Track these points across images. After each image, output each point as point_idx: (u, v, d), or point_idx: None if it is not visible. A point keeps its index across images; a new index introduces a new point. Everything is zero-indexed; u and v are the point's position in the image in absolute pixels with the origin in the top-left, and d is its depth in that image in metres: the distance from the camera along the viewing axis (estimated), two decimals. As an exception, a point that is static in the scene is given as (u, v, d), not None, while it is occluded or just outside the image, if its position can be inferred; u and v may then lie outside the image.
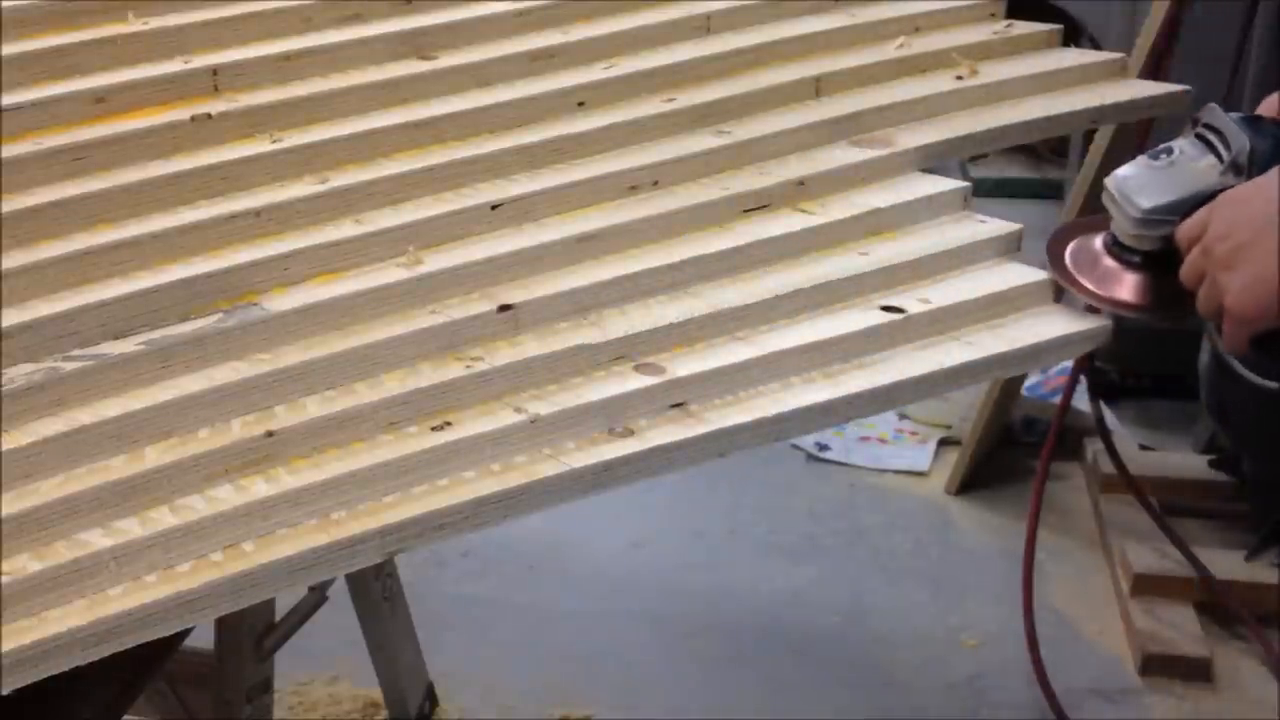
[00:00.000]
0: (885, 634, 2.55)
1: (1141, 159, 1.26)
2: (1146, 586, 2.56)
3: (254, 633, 1.67)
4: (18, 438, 0.99)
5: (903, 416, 3.21)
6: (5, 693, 0.88)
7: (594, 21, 1.49)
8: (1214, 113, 1.25)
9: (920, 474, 3.05)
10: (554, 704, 2.34)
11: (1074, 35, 1.93)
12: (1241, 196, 1.15)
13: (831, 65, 1.50)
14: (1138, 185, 1.24)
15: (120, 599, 0.93)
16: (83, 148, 1.21)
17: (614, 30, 1.48)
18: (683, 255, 1.25)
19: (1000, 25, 1.64)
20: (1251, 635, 2.48)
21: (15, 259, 1.10)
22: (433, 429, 1.08)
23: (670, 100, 1.42)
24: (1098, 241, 1.28)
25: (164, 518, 0.98)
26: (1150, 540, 2.60)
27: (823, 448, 3.10)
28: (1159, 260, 1.23)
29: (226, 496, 1.00)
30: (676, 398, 1.13)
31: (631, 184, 1.32)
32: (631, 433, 1.10)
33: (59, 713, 1.18)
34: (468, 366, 1.12)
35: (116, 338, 1.08)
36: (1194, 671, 2.42)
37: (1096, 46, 2.78)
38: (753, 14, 1.55)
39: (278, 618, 1.69)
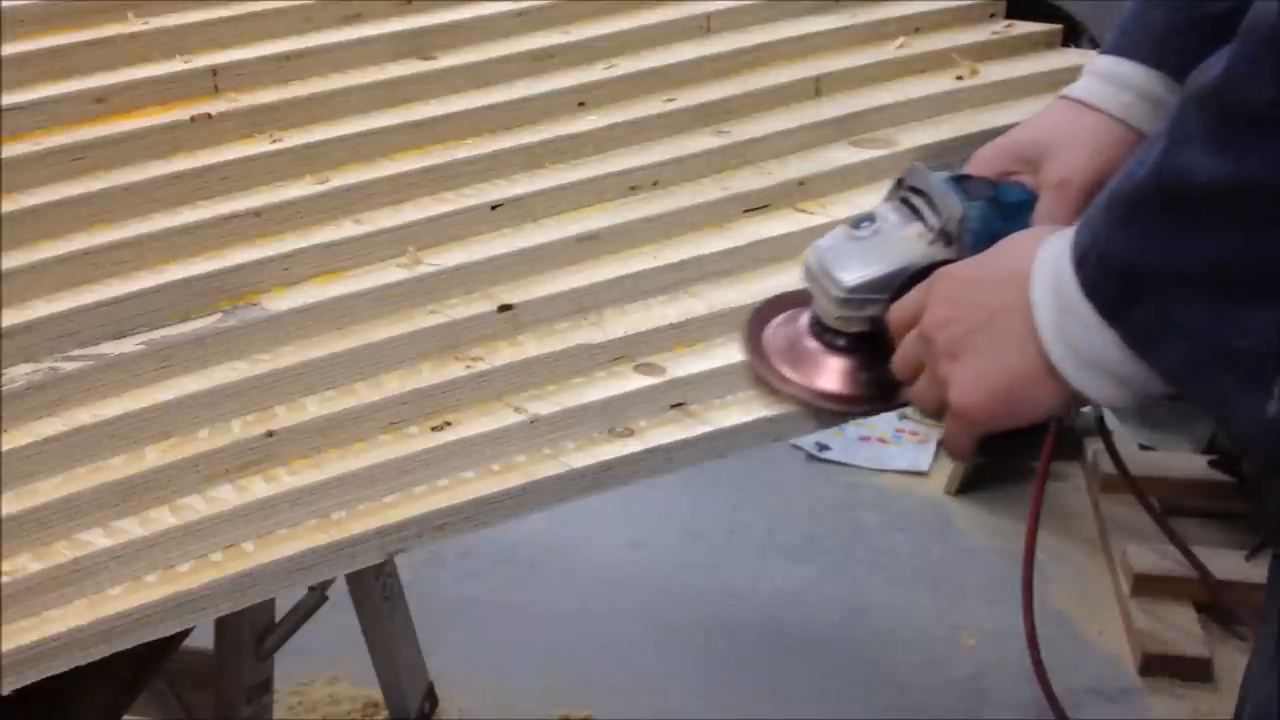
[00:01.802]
0: (885, 634, 2.55)
1: (842, 228, 1.09)
2: (1146, 586, 2.56)
3: (254, 633, 1.67)
4: (18, 438, 0.99)
5: (903, 416, 3.21)
6: (5, 693, 0.88)
7: (594, 21, 1.49)
8: (919, 173, 1.08)
9: (920, 474, 3.06)
10: (554, 704, 2.34)
11: (1074, 35, 1.93)
12: (964, 274, 0.96)
13: (831, 65, 1.50)
14: (838, 259, 1.06)
15: (120, 599, 0.93)
16: (83, 148, 1.21)
17: (614, 30, 1.48)
18: (683, 255, 1.25)
19: (1000, 25, 1.63)
20: (1251, 635, 2.47)
21: (15, 259, 1.10)
22: (433, 429, 1.08)
23: (670, 100, 1.42)
24: (802, 320, 1.11)
25: (164, 518, 0.98)
26: (1150, 540, 2.60)
27: (823, 448, 3.10)
28: (867, 343, 1.06)
29: (226, 496, 1.00)
30: (676, 398, 1.13)
31: (631, 184, 1.32)
32: (631, 433, 1.10)
33: (59, 713, 1.18)
34: (468, 366, 1.12)
35: (116, 338, 1.08)
36: (1194, 671, 2.43)
37: (1096, 46, 2.78)
38: (753, 14, 1.55)
39: (278, 618, 1.69)
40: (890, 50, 1.54)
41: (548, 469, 1.06)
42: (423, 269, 1.18)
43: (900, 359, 0.99)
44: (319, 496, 1.01)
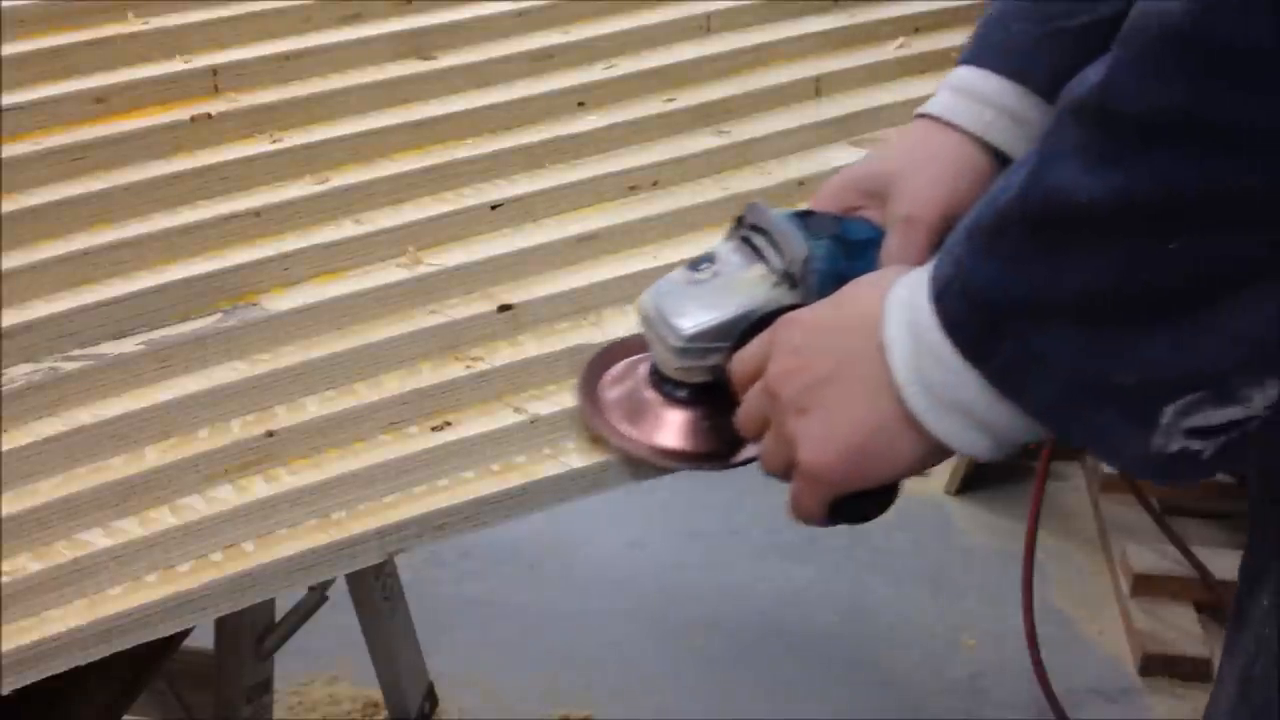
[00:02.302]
0: (885, 634, 2.55)
1: (681, 270, 1.01)
2: (1146, 586, 2.56)
3: (254, 633, 1.67)
4: (18, 438, 0.99)
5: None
6: (5, 693, 0.88)
7: (594, 21, 1.49)
8: (758, 211, 1.00)
9: (920, 474, 3.05)
10: (554, 704, 2.34)
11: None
12: (810, 321, 0.87)
13: (831, 65, 1.50)
14: (676, 304, 0.98)
15: (120, 599, 0.93)
16: (83, 148, 1.21)
17: (614, 30, 1.48)
18: (683, 255, 1.25)
19: (1000, 25, 1.63)
20: (1251, 636, 2.47)
21: (15, 259, 1.10)
22: (433, 429, 1.08)
23: (670, 100, 1.42)
24: (641, 370, 1.04)
25: (164, 518, 0.98)
26: (1150, 540, 2.60)
27: (823, 448, 3.10)
28: (710, 394, 0.98)
29: (226, 496, 1.00)
30: (676, 398, 1.13)
31: (631, 184, 1.32)
32: (631, 433, 1.10)
33: (59, 713, 1.18)
34: (468, 366, 1.12)
35: (116, 338, 1.08)
36: (1194, 671, 2.43)
37: (1096, 46, 2.78)
38: (753, 14, 1.55)
39: (278, 618, 1.69)
40: (890, 50, 1.54)
41: (548, 469, 1.06)
42: (423, 269, 1.18)
43: (744, 415, 0.90)
44: (319, 496, 1.01)
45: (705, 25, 1.53)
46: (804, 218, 1.01)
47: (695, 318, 0.97)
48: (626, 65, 1.45)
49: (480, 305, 1.17)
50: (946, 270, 0.77)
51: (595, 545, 2.78)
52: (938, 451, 0.82)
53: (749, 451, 0.98)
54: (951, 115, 1.05)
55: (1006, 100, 1.03)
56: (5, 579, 0.91)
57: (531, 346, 1.15)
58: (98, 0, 1.34)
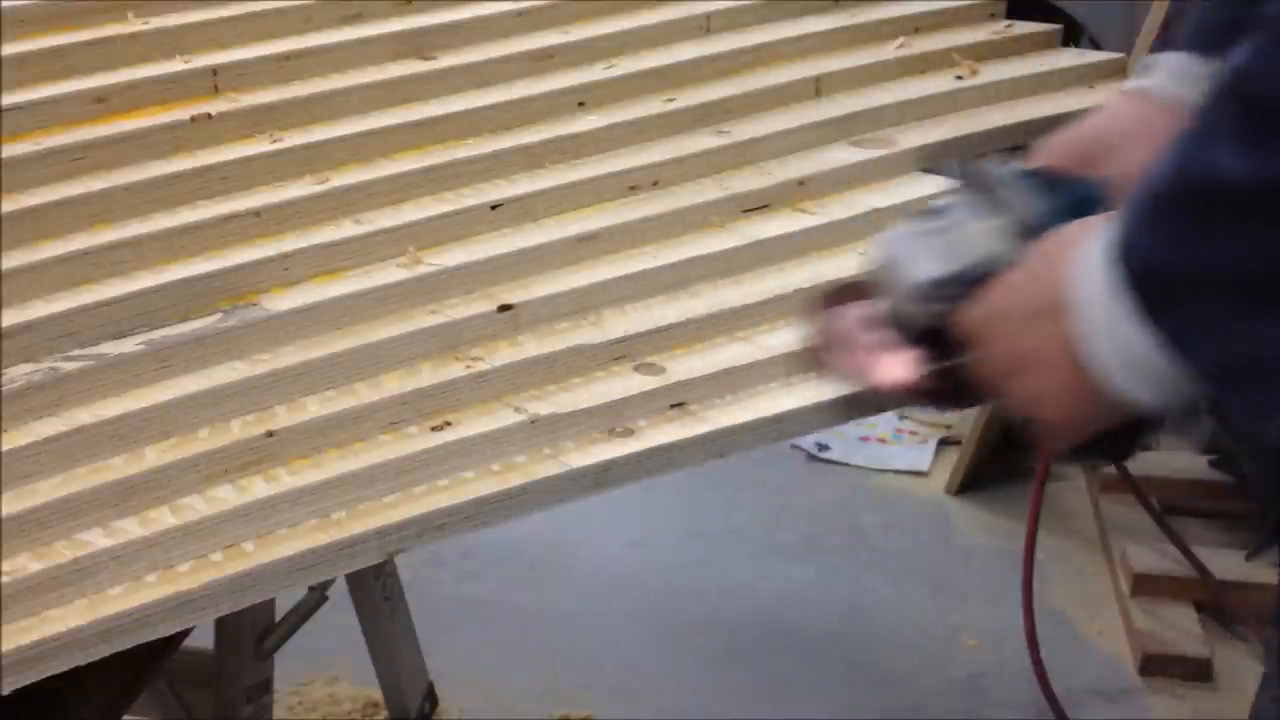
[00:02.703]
0: (885, 634, 2.55)
1: (915, 221, 1.06)
2: (1146, 586, 2.56)
3: (254, 633, 1.67)
4: (18, 438, 0.99)
5: (903, 416, 3.21)
6: (5, 693, 0.88)
7: (594, 21, 1.49)
8: (991, 166, 1.06)
9: (920, 474, 3.05)
10: (554, 704, 2.34)
11: (1074, 35, 1.93)
12: (1013, 285, 0.95)
13: (831, 65, 1.50)
14: (912, 252, 1.04)
15: (120, 599, 0.93)
16: (83, 148, 1.21)
17: (614, 30, 1.48)
18: (683, 255, 1.25)
19: (1000, 25, 1.64)
20: (1251, 635, 2.48)
21: (15, 259, 1.10)
22: (433, 429, 1.08)
23: (670, 100, 1.42)
24: (868, 309, 1.08)
25: (164, 518, 0.98)
26: (1150, 540, 2.60)
27: (823, 448, 3.10)
28: (934, 337, 1.03)
29: (226, 496, 1.00)
30: (676, 398, 1.13)
31: (631, 184, 1.32)
32: (631, 433, 1.10)
33: (59, 713, 1.18)
34: (468, 366, 1.12)
35: (116, 338, 1.08)
36: (1194, 671, 2.42)
37: (1096, 46, 2.78)
38: (753, 14, 1.55)
39: (278, 618, 1.69)
40: (890, 50, 1.54)
41: (548, 469, 1.06)
42: (423, 269, 1.18)
43: (975, 368, 0.98)
44: (319, 496, 1.01)
45: (705, 25, 1.53)
46: (1037, 174, 1.05)
47: (929, 267, 1.02)
48: (626, 65, 1.45)
49: (480, 305, 1.17)
50: (1121, 237, 0.82)
51: (595, 545, 2.78)
52: (1125, 405, 0.87)
53: (967, 397, 1.04)
54: (1162, 91, 1.09)
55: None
56: (5, 579, 0.91)
57: (531, 346, 1.15)
58: (98, 0, 1.34)
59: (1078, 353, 0.86)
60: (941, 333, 1.02)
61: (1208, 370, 0.80)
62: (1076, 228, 0.91)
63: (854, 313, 1.09)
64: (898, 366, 1.05)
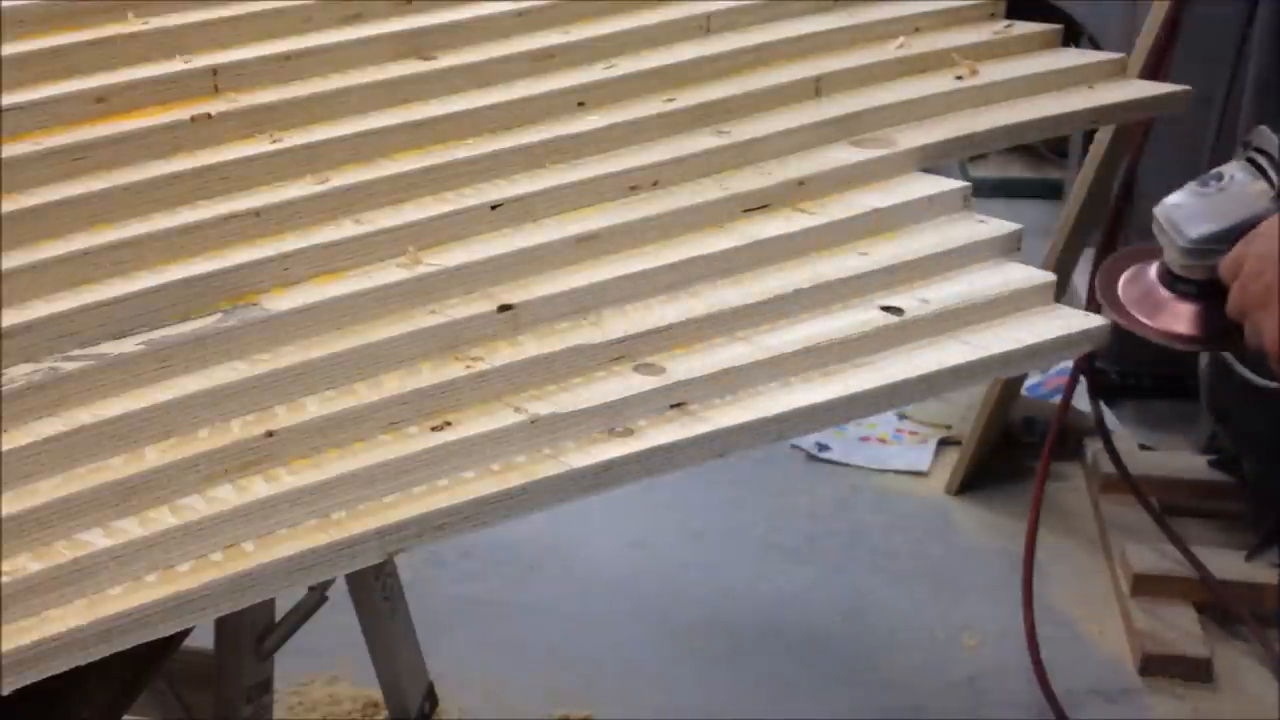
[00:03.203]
0: (885, 634, 2.55)
1: (1191, 185, 1.22)
2: (1146, 586, 2.56)
3: (254, 633, 1.67)
4: (18, 438, 0.99)
5: (903, 416, 3.21)
6: (5, 693, 0.88)
7: (594, 21, 1.49)
8: (1264, 136, 1.21)
9: (920, 474, 3.06)
10: (554, 704, 2.34)
11: (1074, 35, 1.93)
12: (1273, 230, 1.10)
13: (831, 65, 1.50)
14: (1186, 214, 1.20)
15: (120, 599, 0.93)
16: (83, 148, 1.21)
17: (614, 30, 1.48)
18: (683, 255, 1.25)
19: (1000, 25, 1.64)
20: (1251, 635, 2.48)
21: (15, 259, 1.10)
22: (433, 429, 1.08)
23: (670, 100, 1.42)
24: (1152, 271, 1.25)
25: (164, 518, 0.98)
26: (1150, 540, 2.60)
27: (823, 448, 3.10)
28: (1213, 290, 1.19)
29: (226, 496, 1.00)
30: (676, 398, 1.13)
31: (631, 184, 1.32)
32: (631, 433, 1.10)
33: (59, 713, 1.18)
34: (468, 366, 1.12)
35: (116, 338, 1.08)
36: (1194, 671, 2.43)
37: (1096, 46, 2.78)
38: (753, 14, 1.55)
39: (278, 618, 1.69)
40: (890, 50, 1.54)
41: (548, 469, 1.06)
42: (423, 269, 1.18)
43: (1230, 305, 1.13)
44: (319, 496, 1.01)
45: (705, 25, 1.53)
46: None
47: (1200, 225, 1.18)
48: (626, 65, 1.45)
49: (480, 305, 1.17)
50: None
51: (595, 545, 2.78)
52: None
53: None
54: None
55: None
56: (5, 579, 0.91)
57: (531, 346, 1.15)
58: (98, 0, 1.34)
59: None
60: (1216, 284, 1.17)
61: None
62: None
63: (1140, 272, 1.25)
64: (1182, 319, 1.21)
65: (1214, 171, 1.22)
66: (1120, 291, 1.26)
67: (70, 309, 1.08)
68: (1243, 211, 1.17)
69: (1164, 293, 1.23)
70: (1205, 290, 1.20)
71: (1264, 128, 1.20)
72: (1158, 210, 1.22)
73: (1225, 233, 1.17)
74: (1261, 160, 1.19)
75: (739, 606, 2.62)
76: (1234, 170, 1.21)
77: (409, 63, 1.39)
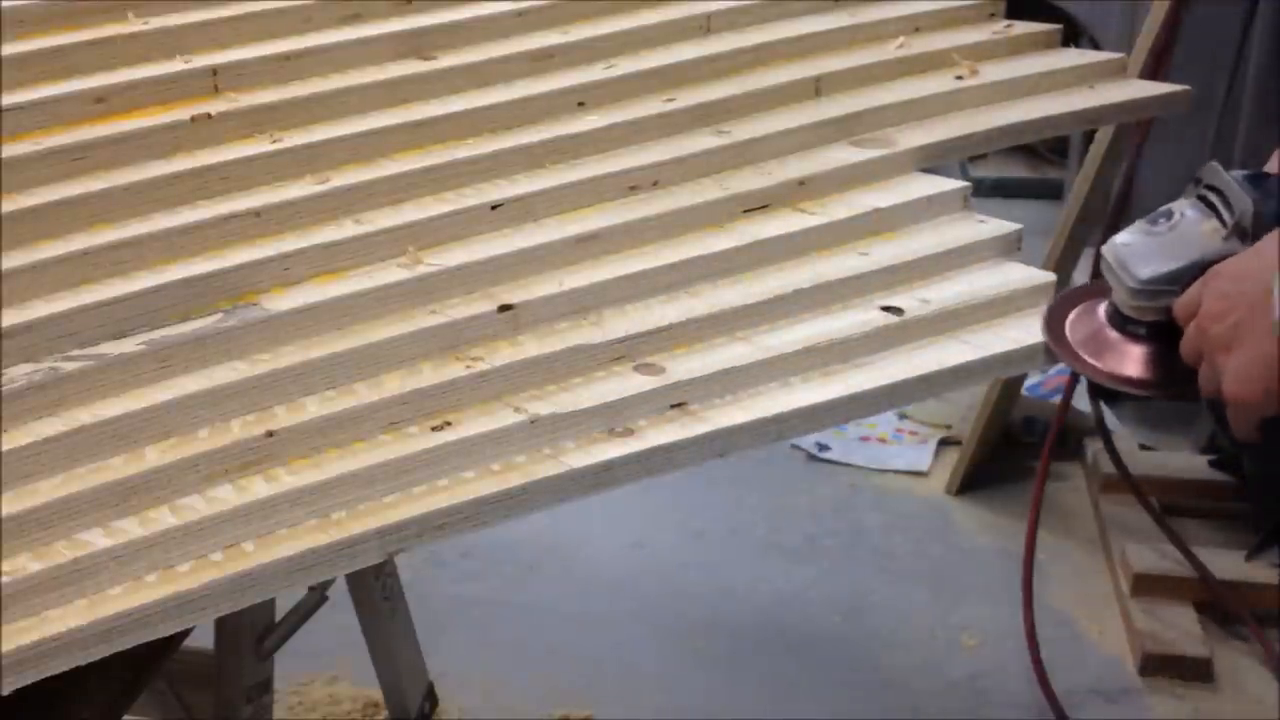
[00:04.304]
0: (885, 634, 2.55)
1: (1140, 224, 1.17)
2: (1146, 586, 2.56)
3: (254, 633, 1.67)
4: (18, 438, 0.99)
5: (903, 416, 3.21)
6: (5, 693, 0.88)
7: (594, 21, 1.49)
8: (1215, 172, 1.16)
9: (920, 474, 3.05)
10: (554, 704, 2.34)
11: (1074, 35, 1.93)
12: (1235, 269, 1.05)
13: (831, 65, 1.50)
14: (1135, 253, 1.15)
15: (120, 599, 0.93)
16: (83, 148, 1.21)
17: (614, 30, 1.48)
18: (683, 255, 1.25)
19: (1000, 25, 1.64)
20: (1251, 635, 2.48)
21: (15, 259, 1.10)
22: (433, 429, 1.08)
23: (670, 100, 1.42)
24: (1100, 311, 1.20)
25: (164, 518, 0.98)
26: (1150, 540, 2.60)
27: (823, 448, 3.10)
28: (1164, 332, 1.14)
29: (226, 496, 1.00)
30: (676, 398, 1.13)
31: (631, 184, 1.32)
32: (631, 433, 1.10)
33: (59, 713, 1.18)
34: (468, 366, 1.12)
35: (116, 338, 1.08)
36: (1194, 671, 2.42)
37: (1096, 46, 2.78)
38: (753, 14, 1.55)
39: (278, 618, 1.69)
40: (890, 50, 1.54)
41: (548, 469, 1.06)
42: (423, 269, 1.18)
43: (1184, 347, 1.08)
44: (319, 496, 1.01)
45: (705, 25, 1.53)
46: (1258, 178, 1.13)
47: (1152, 265, 1.13)
48: (626, 65, 1.45)
49: (480, 305, 1.17)
50: None
51: (595, 545, 2.78)
52: None
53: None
54: None
55: None
56: (5, 579, 0.91)
57: (531, 346, 1.15)
58: (98, 0, 1.34)
59: None
60: (1167, 326, 1.12)
61: None
62: None
63: (1089, 312, 1.21)
64: (1130, 362, 1.17)
65: (1163, 209, 1.17)
66: (1068, 330, 1.21)
67: (70, 309, 1.08)
68: (1194, 251, 1.12)
69: (1112, 333, 1.18)
70: (1156, 332, 1.15)
71: (1215, 164, 1.16)
72: (1105, 249, 1.17)
73: (1177, 273, 1.12)
74: (1213, 198, 1.14)
75: (739, 606, 2.62)
76: (1184, 208, 1.16)
77: (409, 63, 1.39)
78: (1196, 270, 1.10)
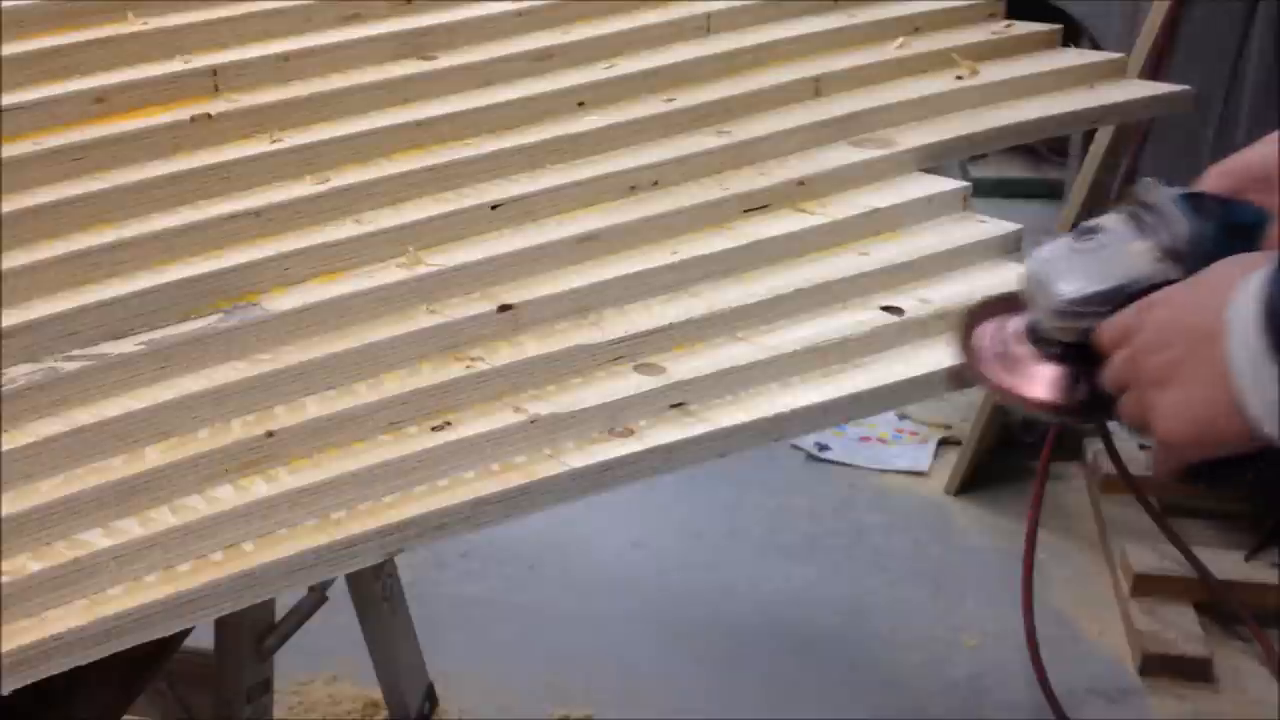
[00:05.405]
0: (885, 634, 2.55)
1: (1066, 239, 1.08)
2: (1146, 586, 2.56)
3: (254, 633, 1.67)
4: (18, 438, 0.99)
5: (903, 416, 3.21)
6: (5, 693, 0.88)
7: (594, 21, 1.49)
8: (1150, 189, 1.07)
9: (920, 474, 3.05)
10: (554, 704, 2.34)
11: (1074, 35, 1.93)
12: (1179, 300, 0.96)
13: (831, 65, 1.50)
14: (1060, 269, 1.06)
15: (120, 599, 0.93)
16: (83, 148, 1.21)
17: (614, 30, 1.48)
18: (683, 255, 1.25)
19: (1000, 25, 1.64)
20: (1251, 635, 2.48)
21: (15, 259, 1.10)
22: (433, 429, 1.08)
23: (670, 100, 1.42)
24: (1016, 325, 1.11)
25: (164, 518, 0.98)
26: (1150, 540, 2.60)
27: (823, 448, 3.10)
28: (1080, 353, 1.06)
29: (226, 496, 1.00)
30: (676, 398, 1.13)
31: (631, 184, 1.32)
32: (631, 433, 1.10)
33: (59, 713, 1.18)
34: (468, 366, 1.12)
35: (116, 338, 1.08)
36: (1194, 671, 2.42)
37: (1096, 46, 2.78)
38: (753, 14, 1.55)
39: (278, 618, 1.69)
40: (890, 50, 1.54)
41: (548, 469, 1.06)
42: (423, 269, 1.18)
43: (1110, 376, 0.99)
44: (319, 496, 1.01)
45: (705, 25, 1.53)
46: (1192, 198, 1.05)
47: (1077, 284, 1.04)
48: (626, 65, 1.45)
49: (480, 305, 1.17)
50: (1276, 285, 0.84)
51: (596, 545, 2.78)
52: (1267, 440, 0.88)
53: (1106, 412, 1.05)
54: None
55: None
56: (5, 579, 0.91)
57: (531, 346, 1.15)
58: (98, 0, 1.34)
59: (1226, 384, 0.87)
60: (1086, 348, 1.04)
61: None
62: (1254, 257, 0.93)
63: (1002, 327, 1.12)
64: (1041, 384, 1.08)
65: (1090, 224, 1.09)
66: (979, 343, 1.12)
67: (70, 309, 1.08)
68: (1123, 272, 1.04)
69: (1025, 350, 1.09)
70: (1072, 353, 1.07)
71: (1150, 180, 1.08)
72: (1028, 263, 1.09)
73: (1104, 295, 1.03)
74: (1146, 216, 1.06)
75: (739, 607, 2.62)
76: (1113, 224, 1.07)
77: (409, 63, 1.39)
78: (1123, 292, 1.03)
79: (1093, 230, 1.07)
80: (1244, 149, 1.11)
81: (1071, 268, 1.06)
